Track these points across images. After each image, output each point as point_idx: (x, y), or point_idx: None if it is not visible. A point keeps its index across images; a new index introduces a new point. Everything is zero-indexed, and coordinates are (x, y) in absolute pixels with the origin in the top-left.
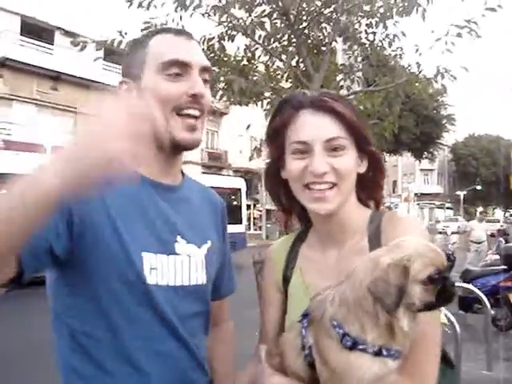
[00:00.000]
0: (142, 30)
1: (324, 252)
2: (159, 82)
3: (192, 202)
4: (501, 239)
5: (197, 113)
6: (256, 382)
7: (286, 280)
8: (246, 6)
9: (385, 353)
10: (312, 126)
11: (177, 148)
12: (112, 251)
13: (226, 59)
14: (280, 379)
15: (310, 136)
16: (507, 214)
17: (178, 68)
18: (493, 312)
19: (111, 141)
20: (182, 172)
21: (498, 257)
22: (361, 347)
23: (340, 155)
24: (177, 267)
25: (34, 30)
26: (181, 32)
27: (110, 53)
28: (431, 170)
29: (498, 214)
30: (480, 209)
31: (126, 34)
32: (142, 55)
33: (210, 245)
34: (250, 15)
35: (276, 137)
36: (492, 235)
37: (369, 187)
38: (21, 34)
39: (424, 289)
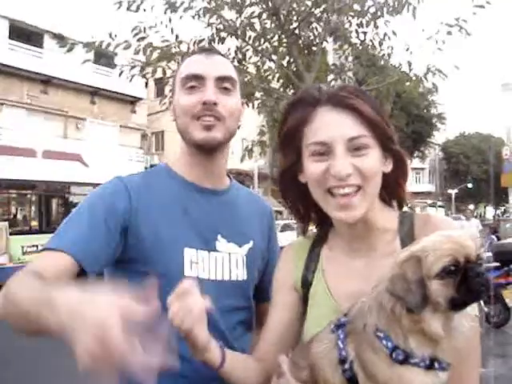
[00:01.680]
0: (132, 33)
1: (350, 254)
2: (180, 95)
3: (237, 205)
4: (493, 236)
5: (211, 119)
6: None
7: (306, 283)
8: (237, 8)
9: (436, 365)
10: (331, 125)
11: (198, 148)
12: (154, 249)
13: None
14: None
15: (329, 136)
16: (498, 212)
17: (194, 81)
18: (486, 309)
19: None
20: (231, 179)
21: (490, 254)
22: (413, 361)
23: (363, 155)
24: (217, 263)
25: (23, 34)
26: (206, 50)
27: (100, 56)
28: (422, 168)
29: (490, 211)
30: (472, 207)
31: (115, 36)
32: (175, 77)
33: (252, 245)
34: (240, 16)
35: (291, 138)
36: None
37: (392, 187)
38: (10, 38)
39: (442, 283)
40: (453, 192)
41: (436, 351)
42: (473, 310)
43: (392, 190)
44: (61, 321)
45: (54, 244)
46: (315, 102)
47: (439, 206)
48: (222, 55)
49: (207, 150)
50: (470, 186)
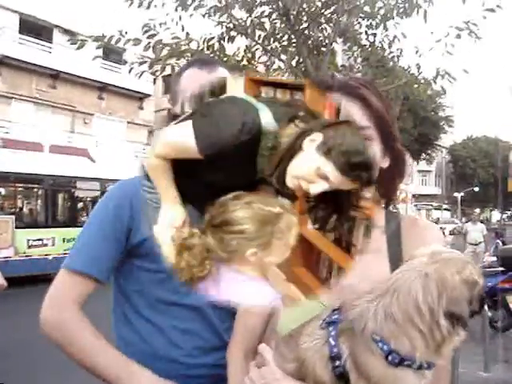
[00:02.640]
0: (142, 30)
1: None
2: None
3: None
4: (498, 241)
5: None
6: None
7: None
8: (247, 7)
9: (425, 365)
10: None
11: None
12: (156, 246)
13: (225, 59)
14: None
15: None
16: (504, 216)
17: None
18: (490, 314)
19: None
20: None
21: (495, 258)
22: (406, 363)
23: None
24: None
25: (33, 28)
26: (205, 63)
27: (109, 51)
28: (429, 171)
29: (495, 215)
30: (478, 210)
31: (126, 33)
32: (176, 89)
33: None
34: (250, 15)
35: None
36: None
37: (385, 183)
38: (19, 32)
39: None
40: (459, 195)
41: (435, 357)
42: None
43: (384, 186)
44: None
45: (78, 265)
46: (326, 89)
47: (445, 209)
48: (219, 63)
49: None
50: (476, 189)
